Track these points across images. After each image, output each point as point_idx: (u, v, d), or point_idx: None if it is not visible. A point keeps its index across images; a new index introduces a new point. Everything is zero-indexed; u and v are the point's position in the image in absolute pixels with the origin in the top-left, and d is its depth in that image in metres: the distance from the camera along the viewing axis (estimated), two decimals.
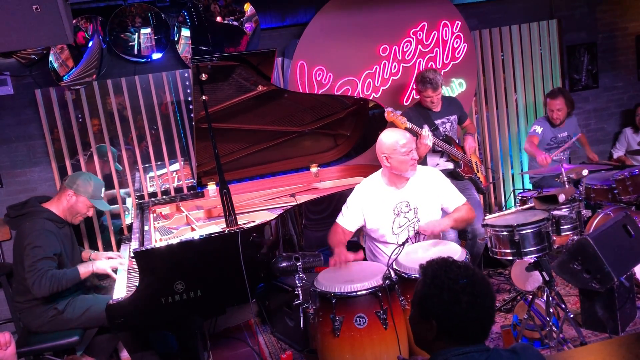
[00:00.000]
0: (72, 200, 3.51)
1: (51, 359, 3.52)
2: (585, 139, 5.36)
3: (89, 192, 3.54)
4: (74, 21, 4.27)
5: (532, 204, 3.65)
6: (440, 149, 4.37)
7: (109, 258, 3.77)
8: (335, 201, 3.89)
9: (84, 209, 3.58)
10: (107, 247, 4.64)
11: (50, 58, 4.30)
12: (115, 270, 3.49)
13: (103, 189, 3.68)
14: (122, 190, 4.71)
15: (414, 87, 4.66)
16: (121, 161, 4.68)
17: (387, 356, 2.86)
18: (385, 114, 3.93)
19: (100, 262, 3.52)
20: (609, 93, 6.01)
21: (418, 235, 3.45)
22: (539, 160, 4.66)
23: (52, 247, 3.31)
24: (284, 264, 3.11)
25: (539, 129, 4.97)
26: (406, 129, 4.03)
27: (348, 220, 3.47)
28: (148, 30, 4.50)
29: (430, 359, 1.66)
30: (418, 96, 4.58)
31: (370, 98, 4.89)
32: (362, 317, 2.87)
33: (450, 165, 4.48)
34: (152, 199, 4.44)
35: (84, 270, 3.40)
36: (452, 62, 5.23)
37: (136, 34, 4.49)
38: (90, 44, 4.39)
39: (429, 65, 5.09)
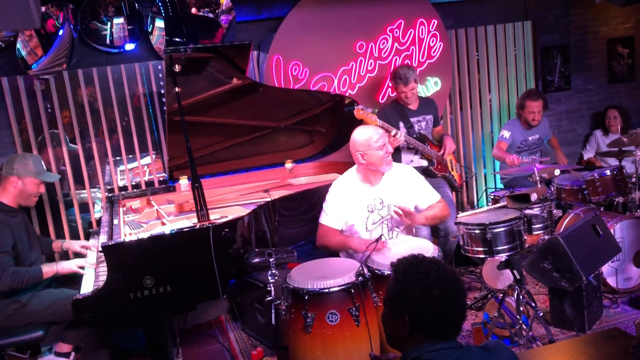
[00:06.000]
0: (19, 185, 3.42)
1: (14, 355, 3.43)
2: (557, 142, 5.44)
3: (31, 170, 3.44)
4: (44, 8, 4.16)
5: (505, 203, 3.68)
6: (413, 146, 4.39)
7: (83, 247, 3.73)
8: (309, 197, 3.87)
9: (35, 189, 3.49)
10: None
11: (18, 45, 4.17)
12: (82, 267, 3.40)
13: (42, 162, 3.59)
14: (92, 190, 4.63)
15: (390, 84, 4.66)
16: (91, 152, 4.57)
17: (358, 353, 2.85)
18: (355, 112, 3.90)
19: (65, 262, 3.45)
20: (581, 95, 6.11)
21: (392, 232, 3.46)
22: (507, 162, 4.70)
23: (6, 239, 3.24)
24: (256, 260, 3.07)
25: (507, 134, 4.99)
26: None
27: (333, 218, 3.44)
28: (121, 20, 4.40)
29: (403, 356, 1.65)
30: (394, 93, 4.59)
31: (346, 94, 4.87)
32: (334, 314, 2.85)
33: (424, 163, 4.50)
34: (122, 193, 4.35)
35: (47, 269, 3.33)
36: (427, 61, 5.24)
37: (109, 23, 4.39)
38: (60, 33, 4.27)
39: (405, 64, 5.09)
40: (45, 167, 3.61)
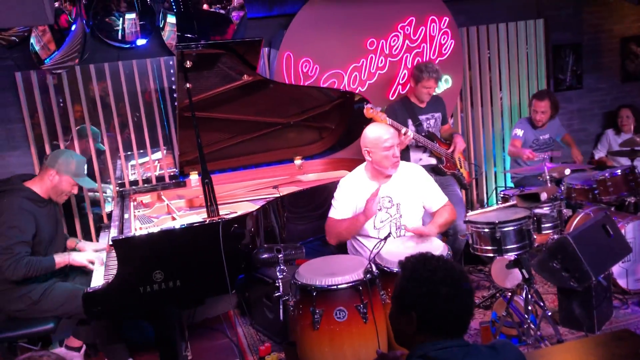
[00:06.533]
0: (55, 179, 3.45)
1: (25, 346, 3.47)
2: (571, 139, 5.40)
3: (71, 170, 3.48)
4: (57, 3, 4.19)
5: (514, 202, 3.67)
6: (422, 144, 4.38)
7: (96, 250, 3.72)
8: (318, 194, 3.87)
9: (68, 188, 3.53)
10: (86, 235, 4.57)
11: (32, 40, 4.20)
12: (92, 262, 3.43)
13: (86, 166, 3.63)
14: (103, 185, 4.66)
15: (412, 76, 4.56)
16: (103, 144, 4.60)
17: (366, 350, 2.86)
18: (365, 111, 3.89)
19: (77, 254, 3.48)
20: (593, 94, 6.05)
21: (400, 230, 3.45)
22: (524, 157, 4.70)
23: (28, 228, 3.26)
24: (265, 256, 3.08)
25: (520, 132, 5.01)
26: None
27: (342, 212, 3.44)
28: (133, 15, 4.42)
29: (410, 353, 1.66)
30: (404, 90, 4.56)
31: (356, 92, 4.86)
32: (342, 311, 2.86)
33: (433, 161, 4.49)
34: (133, 187, 4.38)
35: (59, 259, 3.36)
36: (438, 58, 5.21)
37: (121, 18, 4.41)
38: (73, 28, 4.28)
39: (416, 61, 5.07)
40: (86, 172, 3.63)
